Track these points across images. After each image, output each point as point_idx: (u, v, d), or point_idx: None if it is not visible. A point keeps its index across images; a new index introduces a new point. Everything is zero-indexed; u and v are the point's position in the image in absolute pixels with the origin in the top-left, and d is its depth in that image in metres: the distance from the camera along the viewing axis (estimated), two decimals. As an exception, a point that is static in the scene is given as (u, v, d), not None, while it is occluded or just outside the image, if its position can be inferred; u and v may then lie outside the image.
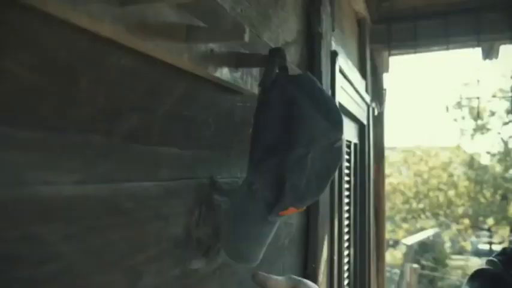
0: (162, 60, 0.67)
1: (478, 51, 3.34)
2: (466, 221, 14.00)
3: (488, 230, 15.10)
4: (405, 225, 14.22)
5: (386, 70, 3.53)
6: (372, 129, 2.99)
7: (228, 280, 0.91)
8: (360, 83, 2.61)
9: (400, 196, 15.35)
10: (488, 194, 13.91)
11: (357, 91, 2.36)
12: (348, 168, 2.39)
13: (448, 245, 13.66)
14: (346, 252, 2.33)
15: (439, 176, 14.94)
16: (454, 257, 13.02)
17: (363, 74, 2.82)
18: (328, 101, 0.80)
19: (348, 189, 2.38)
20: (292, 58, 1.34)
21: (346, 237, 2.32)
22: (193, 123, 0.78)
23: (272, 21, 1.19)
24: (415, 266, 7.73)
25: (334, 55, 1.76)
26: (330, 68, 1.73)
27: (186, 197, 0.75)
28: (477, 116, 14.84)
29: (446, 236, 13.76)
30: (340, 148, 0.81)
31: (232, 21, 0.73)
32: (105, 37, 0.56)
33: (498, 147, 14.63)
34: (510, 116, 14.81)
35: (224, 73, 0.81)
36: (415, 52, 3.12)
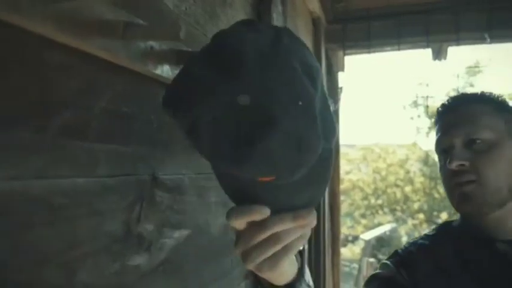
0: (98, 56, 0.67)
1: (429, 52, 3.48)
2: (421, 216, 14.48)
3: (442, 224, 15.64)
4: (364, 221, 14.57)
5: (342, 69, 3.61)
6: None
7: (172, 276, 0.92)
8: (314, 81, 2.66)
9: (360, 192, 15.70)
10: (442, 189, 14.44)
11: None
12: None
13: (404, 239, 14.11)
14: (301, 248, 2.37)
15: (396, 172, 15.37)
16: (410, 250, 13.41)
17: (318, 73, 2.87)
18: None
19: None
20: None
21: (300, 232, 2.37)
22: (133, 120, 0.78)
23: (220, 20, 1.20)
24: (372, 260, 7.96)
25: (286, 54, 1.79)
26: (282, 67, 1.75)
27: (126, 193, 0.75)
28: (432, 114, 15.38)
29: (402, 231, 14.20)
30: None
31: (170, 19, 0.74)
32: (37, 33, 0.55)
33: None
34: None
35: (165, 70, 0.81)
36: (368, 52, 3.21)
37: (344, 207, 15.73)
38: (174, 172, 0.93)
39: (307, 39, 2.72)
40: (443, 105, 0.99)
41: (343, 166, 16.24)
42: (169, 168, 0.92)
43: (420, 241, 0.99)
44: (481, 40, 3.02)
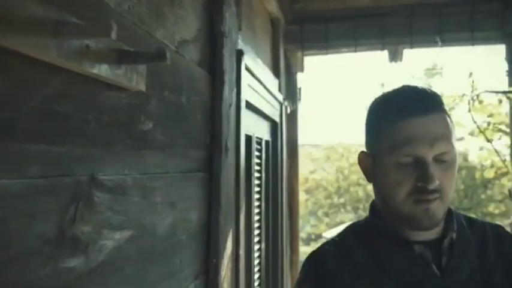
0: (29, 55, 0.66)
1: (385, 54, 3.56)
2: (383, 214, 14.80)
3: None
4: (327, 220, 14.78)
5: (301, 70, 3.65)
6: (286, 127, 3.09)
7: (112, 278, 0.91)
8: (272, 82, 2.68)
9: (323, 191, 15.90)
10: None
11: (268, 90, 2.42)
12: (259, 164, 2.45)
13: (366, 237, 14.35)
14: (257, 247, 2.39)
15: (358, 171, 15.65)
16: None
17: (276, 74, 2.90)
18: None
19: (259, 185, 2.44)
20: (192, 56, 1.36)
21: (257, 232, 2.38)
22: (68, 120, 0.77)
23: (168, 19, 1.20)
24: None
25: (240, 54, 1.80)
26: (236, 67, 1.76)
27: (59, 194, 0.74)
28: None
29: (364, 229, 14.46)
30: None
31: (110, 18, 0.73)
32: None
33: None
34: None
35: (103, 69, 0.80)
36: (326, 53, 3.26)
37: (308, 206, 15.91)
38: (115, 172, 0.92)
39: (265, 40, 2.74)
40: (408, 99, 0.86)
41: (308, 166, 16.44)
42: (111, 169, 0.91)
43: (331, 248, 0.92)
44: (433, 43, 3.13)
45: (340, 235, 0.96)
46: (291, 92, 3.28)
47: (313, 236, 12.82)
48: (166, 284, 1.20)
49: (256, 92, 2.18)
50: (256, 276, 2.38)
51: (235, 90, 1.74)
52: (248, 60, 1.94)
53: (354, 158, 16.60)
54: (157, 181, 1.12)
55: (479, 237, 0.91)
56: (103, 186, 0.87)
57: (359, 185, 15.55)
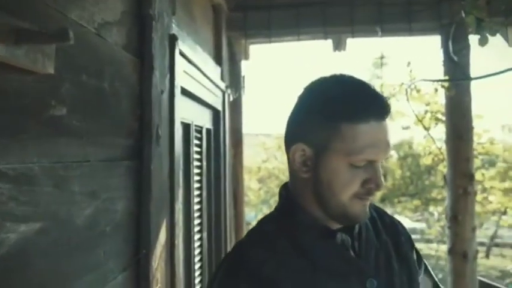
0: None
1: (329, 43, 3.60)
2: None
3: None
4: (277, 208, 14.94)
5: (246, 57, 3.62)
6: (229, 115, 3.06)
7: (16, 273, 0.85)
8: (213, 69, 2.64)
9: (275, 180, 16.07)
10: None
11: (208, 77, 2.38)
12: (199, 153, 2.41)
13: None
14: (197, 236, 2.36)
15: (309, 160, 15.89)
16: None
17: (218, 61, 2.86)
18: None
19: (199, 174, 2.41)
20: (116, 39, 1.30)
21: (197, 221, 2.35)
22: (-43, 104, 0.71)
23: (87, 1, 1.14)
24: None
25: (173, 39, 1.75)
26: (169, 52, 1.71)
27: None
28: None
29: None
30: None
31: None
32: None
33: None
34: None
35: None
36: (269, 41, 3.25)
37: (260, 195, 16.02)
38: (20, 161, 0.86)
39: (206, 27, 2.69)
40: (369, 99, 0.83)
41: (261, 155, 16.52)
42: (15, 157, 0.85)
43: (260, 250, 0.87)
44: (373, 33, 3.19)
45: (260, 233, 0.92)
46: (234, 80, 3.25)
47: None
48: (89, 277, 1.15)
49: (194, 79, 2.13)
50: (198, 265, 2.36)
51: (168, 76, 1.70)
52: (184, 46, 1.89)
53: (305, 147, 16.87)
54: (75, 170, 1.07)
55: (370, 219, 0.95)
56: (4, 176, 0.81)
57: (310, 173, 15.80)
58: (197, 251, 2.34)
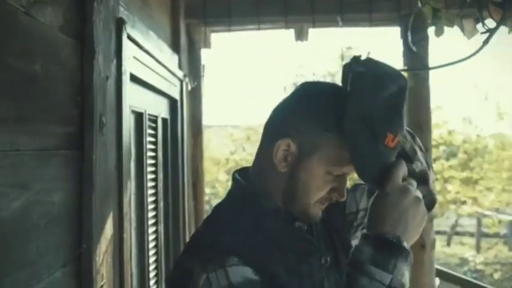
0: None
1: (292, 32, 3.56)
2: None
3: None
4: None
5: (207, 46, 3.54)
6: (187, 105, 2.99)
7: None
8: (169, 57, 2.56)
9: (243, 172, 16.05)
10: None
11: (163, 65, 2.30)
12: (154, 143, 2.33)
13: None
14: (152, 229, 2.29)
15: (277, 152, 15.94)
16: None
17: (176, 49, 2.78)
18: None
19: (154, 165, 2.33)
20: (50, 19, 1.21)
21: (152, 213, 2.28)
22: None
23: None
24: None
25: (120, 22, 1.67)
26: (116, 36, 1.63)
27: None
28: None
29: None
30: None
31: None
32: None
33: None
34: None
35: None
36: (229, 30, 3.19)
37: (228, 187, 15.96)
38: None
39: (162, 13, 2.60)
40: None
41: (229, 146, 16.44)
42: None
43: (231, 236, 0.87)
44: (334, 23, 3.17)
45: (230, 222, 0.91)
46: (194, 69, 3.17)
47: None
48: (20, 274, 1.07)
49: (146, 66, 2.05)
50: (153, 259, 2.29)
51: (114, 61, 1.62)
52: (133, 31, 1.81)
53: (273, 139, 16.89)
54: (0, 160, 0.99)
55: None
56: None
57: (278, 164, 15.87)
58: (152, 244, 2.28)
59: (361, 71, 0.85)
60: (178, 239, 2.71)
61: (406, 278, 0.79)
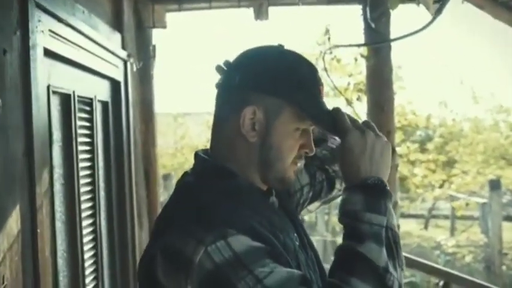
0: None
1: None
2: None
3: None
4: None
5: (161, 25, 3.33)
6: (135, 88, 2.80)
7: None
8: (108, 35, 2.37)
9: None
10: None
11: (96, 42, 2.11)
12: (89, 128, 2.14)
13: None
14: (89, 221, 2.11)
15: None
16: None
17: (118, 27, 2.58)
18: None
19: (90, 151, 2.14)
20: None
21: (88, 204, 2.10)
22: None
23: None
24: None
25: (27, -10, 1.47)
26: (19, 6, 1.43)
27: None
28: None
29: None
30: None
31: None
32: None
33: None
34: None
35: None
36: (179, 9, 3.00)
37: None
38: None
39: (100, -13, 2.39)
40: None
41: (206, 133, 16.20)
42: None
43: (230, 211, 0.83)
44: (292, 2, 3.02)
45: (224, 194, 0.87)
46: (142, 50, 2.97)
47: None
48: None
49: (72, 42, 1.85)
50: (91, 253, 2.12)
51: (18, 33, 1.42)
52: (47, 1, 1.60)
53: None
54: None
55: None
56: None
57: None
58: (89, 238, 2.10)
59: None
60: (125, 230, 2.54)
61: (395, 217, 0.86)
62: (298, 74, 0.90)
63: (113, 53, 2.37)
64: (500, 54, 26.52)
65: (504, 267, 8.58)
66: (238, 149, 0.91)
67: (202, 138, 16.31)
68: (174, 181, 13.58)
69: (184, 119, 17.30)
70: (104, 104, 2.38)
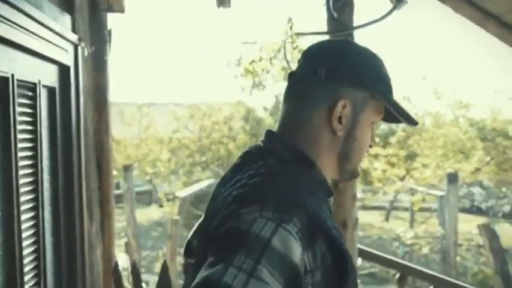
0: None
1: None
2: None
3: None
4: (183, 178, 14.64)
5: (118, 9, 3.18)
6: (87, 74, 2.64)
7: None
8: (55, 16, 2.21)
9: (186, 151, 15.68)
10: (262, 144, 15.16)
11: (40, 22, 1.95)
12: (32, 115, 1.99)
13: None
14: (30, 215, 1.97)
15: (220, 130, 15.71)
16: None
17: (69, 9, 2.42)
18: None
19: (33, 140, 1.99)
20: None
21: (28, 196, 1.96)
22: None
23: None
24: (177, 218, 7.91)
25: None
26: None
27: None
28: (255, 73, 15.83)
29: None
30: None
31: None
32: None
33: (271, 103, 15.95)
34: (282, 74, 16.22)
35: None
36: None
37: (170, 166, 15.56)
38: None
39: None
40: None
41: (172, 124, 15.94)
42: None
43: (307, 198, 0.84)
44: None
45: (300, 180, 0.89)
46: (96, 34, 2.82)
47: (170, 196, 12.58)
48: None
49: (8, 20, 1.70)
50: (32, 249, 1.98)
51: None
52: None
53: (217, 116, 16.55)
54: None
55: None
56: None
57: (221, 143, 15.64)
58: (30, 232, 1.96)
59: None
60: (72, 226, 2.40)
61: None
62: (379, 67, 0.96)
63: (61, 36, 2.21)
64: (468, 52, 27.35)
65: (458, 258, 8.86)
66: (321, 140, 0.94)
67: (168, 129, 16.03)
68: (135, 172, 13.35)
69: (149, 109, 16.98)
70: (51, 90, 2.22)
